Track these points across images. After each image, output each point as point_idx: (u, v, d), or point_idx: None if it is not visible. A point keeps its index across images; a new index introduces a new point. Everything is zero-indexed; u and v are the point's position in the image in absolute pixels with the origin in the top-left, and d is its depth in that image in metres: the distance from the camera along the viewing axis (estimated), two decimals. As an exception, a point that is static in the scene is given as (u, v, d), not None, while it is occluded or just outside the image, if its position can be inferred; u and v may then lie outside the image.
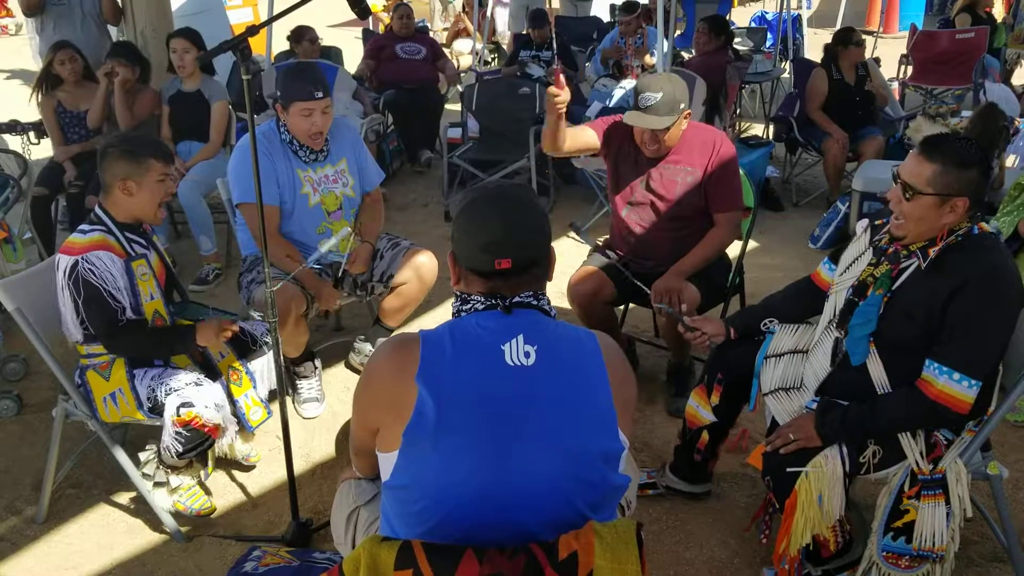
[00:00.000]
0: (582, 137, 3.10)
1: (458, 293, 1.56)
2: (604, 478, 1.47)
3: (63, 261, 2.44)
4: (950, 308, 1.99)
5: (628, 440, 1.51)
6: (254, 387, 2.70)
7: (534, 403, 1.43)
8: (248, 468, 2.91)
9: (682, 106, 2.90)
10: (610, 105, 5.49)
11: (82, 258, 2.42)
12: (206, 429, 2.45)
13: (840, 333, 2.22)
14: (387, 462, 1.47)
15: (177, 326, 2.66)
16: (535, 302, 1.52)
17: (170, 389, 2.46)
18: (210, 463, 2.70)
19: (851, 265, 2.29)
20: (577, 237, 5.09)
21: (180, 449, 2.48)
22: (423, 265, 3.28)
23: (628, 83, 5.76)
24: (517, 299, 1.50)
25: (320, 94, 3.04)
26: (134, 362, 2.56)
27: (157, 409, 2.48)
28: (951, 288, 1.98)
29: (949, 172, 1.98)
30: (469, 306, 1.52)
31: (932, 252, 2.05)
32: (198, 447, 2.51)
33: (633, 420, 1.59)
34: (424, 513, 1.43)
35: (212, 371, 2.66)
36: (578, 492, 1.45)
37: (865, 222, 2.35)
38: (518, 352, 1.45)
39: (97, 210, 2.55)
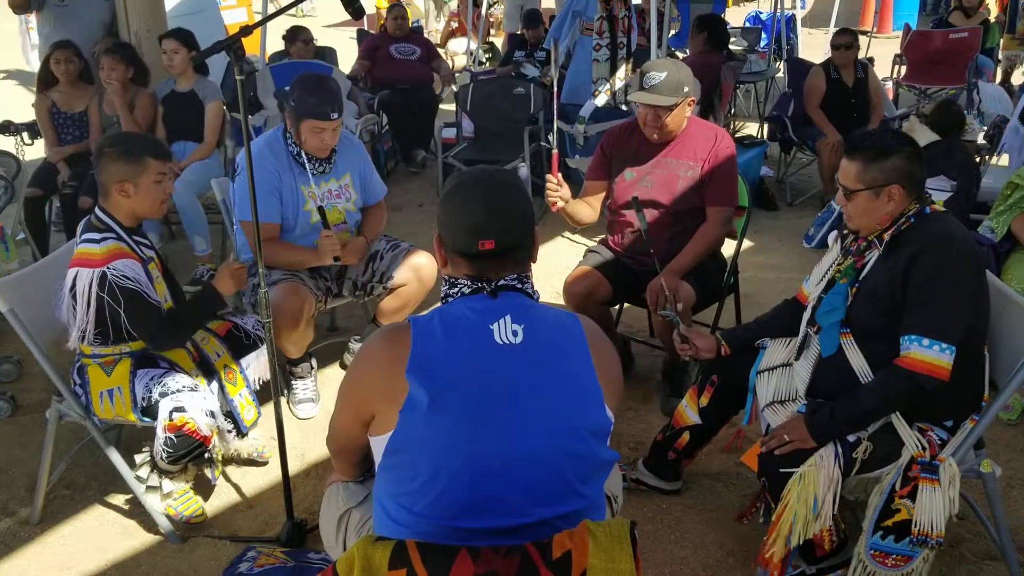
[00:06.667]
0: (594, 192, 3.24)
1: (446, 277, 1.60)
2: (593, 451, 1.51)
3: (84, 274, 2.39)
4: (909, 278, 2.06)
5: (614, 416, 1.55)
6: (247, 387, 2.70)
7: (523, 380, 1.47)
8: (261, 463, 2.90)
9: (686, 89, 2.94)
10: (599, 104, 5.50)
11: (108, 268, 2.39)
12: (197, 436, 2.44)
13: (812, 329, 2.28)
14: (381, 444, 1.50)
15: (197, 295, 2.66)
16: (519, 285, 1.56)
17: (166, 390, 2.45)
18: (218, 466, 2.68)
19: (824, 274, 2.36)
20: (573, 237, 5.09)
21: (168, 455, 2.46)
22: (422, 266, 3.29)
23: (622, 72, 5.75)
24: (502, 282, 1.54)
25: (335, 115, 3.00)
26: (140, 362, 2.55)
27: (150, 411, 2.47)
28: (907, 258, 2.07)
29: (870, 167, 2.12)
30: (456, 290, 1.56)
31: (887, 236, 2.15)
32: (189, 454, 2.49)
33: (621, 398, 1.63)
34: (420, 491, 1.46)
35: (209, 370, 2.66)
36: (568, 465, 1.48)
37: (835, 233, 2.43)
38: (506, 331, 1.49)
39: (100, 214, 2.49)
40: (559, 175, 2.94)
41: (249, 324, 2.82)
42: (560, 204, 2.99)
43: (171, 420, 2.40)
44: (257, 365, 2.79)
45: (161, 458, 2.50)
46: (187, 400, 2.43)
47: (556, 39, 5.96)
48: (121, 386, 2.51)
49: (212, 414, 2.47)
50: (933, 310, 2.03)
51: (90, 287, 2.38)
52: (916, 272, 2.05)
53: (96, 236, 2.45)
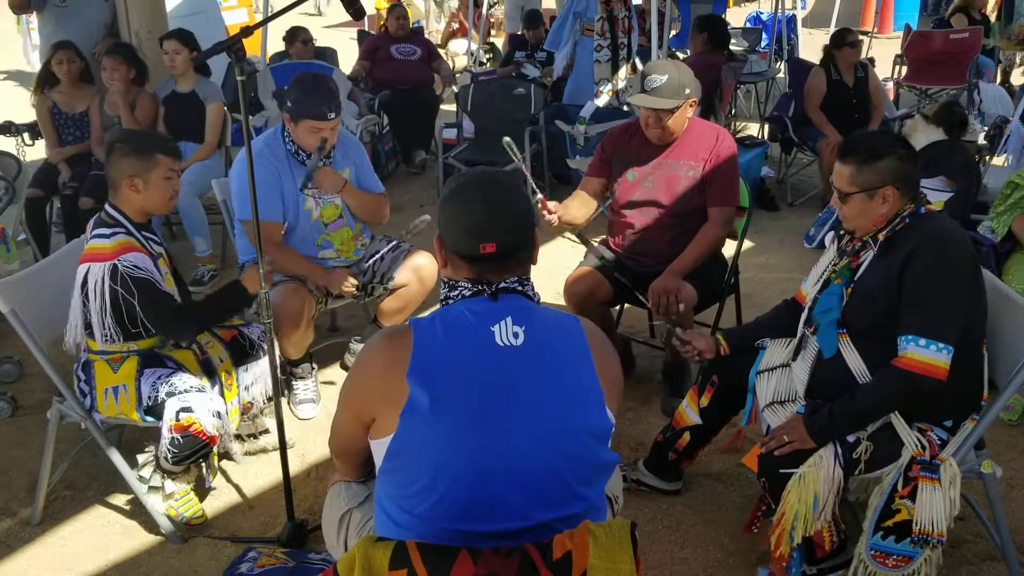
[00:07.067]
0: (591, 188, 3.22)
1: (445, 280, 1.60)
2: (594, 454, 1.52)
3: (96, 269, 2.40)
4: (905, 278, 2.06)
5: (615, 418, 1.55)
6: (238, 396, 2.70)
7: (524, 382, 1.47)
8: (264, 455, 2.91)
9: (687, 91, 2.93)
10: (600, 104, 5.50)
11: (119, 261, 2.40)
12: (203, 437, 2.43)
13: (809, 330, 2.28)
14: (382, 447, 1.50)
15: (222, 288, 2.69)
16: (520, 288, 1.56)
17: (173, 390, 2.45)
18: (214, 470, 2.68)
19: (821, 274, 2.37)
20: (573, 238, 5.09)
21: (174, 456, 2.46)
22: (423, 267, 3.29)
23: (624, 72, 5.76)
24: (503, 284, 1.54)
25: (332, 114, 2.99)
26: (146, 361, 2.55)
27: (154, 411, 2.47)
28: (903, 259, 2.07)
29: (863, 169, 2.12)
30: (456, 292, 1.56)
31: (882, 236, 2.15)
32: (194, 454, 2.49)
33: (621, 400, 1.64)
34: (421, 494, 1.46)
35: (212, 373, 2.66)
36: (569, 468, 1.49)
37: (832, 233, 2.43)
38: (507, 333, 1.49)
39: (110, 210, 2.50)
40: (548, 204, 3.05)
41: (255, 334, 2.82)
42: (556, 219, 3.05)
43: (178, 420, 2.40)
44: (264, 379, 2.77)
45: (166, 458, 2.49)
46: (194, 400, 2.43)
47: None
48: (127, 384, 2.51)
49: (218, 415, 2.48)
50: (929, 310, 2.03)
51: (102, 280, 2.39)
52: (911, 272, 2.05)
53: (106, 231, 2.46)
